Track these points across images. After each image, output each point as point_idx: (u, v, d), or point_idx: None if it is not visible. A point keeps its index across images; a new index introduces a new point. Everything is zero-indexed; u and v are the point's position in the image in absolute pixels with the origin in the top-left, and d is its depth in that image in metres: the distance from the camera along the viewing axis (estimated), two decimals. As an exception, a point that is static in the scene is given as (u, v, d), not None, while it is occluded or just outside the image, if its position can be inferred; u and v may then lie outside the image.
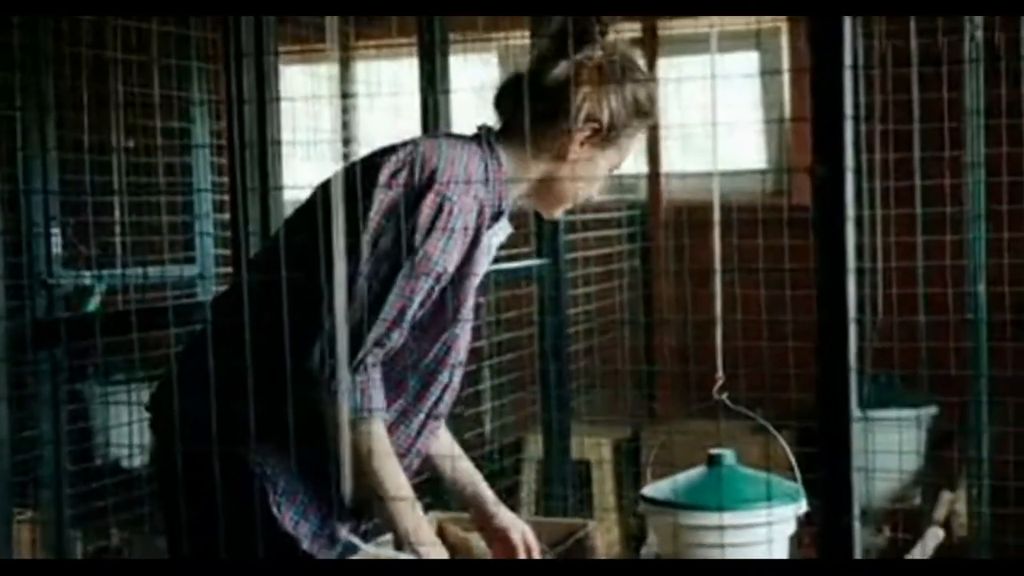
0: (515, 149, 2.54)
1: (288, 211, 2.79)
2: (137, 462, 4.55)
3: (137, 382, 4.36)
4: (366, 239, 2.36)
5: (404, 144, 2.48)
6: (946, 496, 4.36)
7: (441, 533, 3.76)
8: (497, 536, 2.92)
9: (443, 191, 2.38)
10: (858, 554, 1.72)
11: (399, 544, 2.48)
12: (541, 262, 4.41)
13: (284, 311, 1.99)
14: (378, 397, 2.38)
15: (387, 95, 4.90)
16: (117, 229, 4.58)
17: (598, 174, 2.63)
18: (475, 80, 4.22)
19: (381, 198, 2.38)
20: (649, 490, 3.45)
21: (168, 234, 4.66)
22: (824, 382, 1.74)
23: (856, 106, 1.69)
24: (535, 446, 4.98)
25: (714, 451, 3.38)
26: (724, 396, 3.39)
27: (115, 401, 4.64)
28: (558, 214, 2.80)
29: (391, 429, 2.47)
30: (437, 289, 2.42)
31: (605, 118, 2.54)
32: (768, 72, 5.49)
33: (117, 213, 4.61)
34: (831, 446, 1.73)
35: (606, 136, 2.56)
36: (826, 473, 1.73)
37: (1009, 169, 3.72)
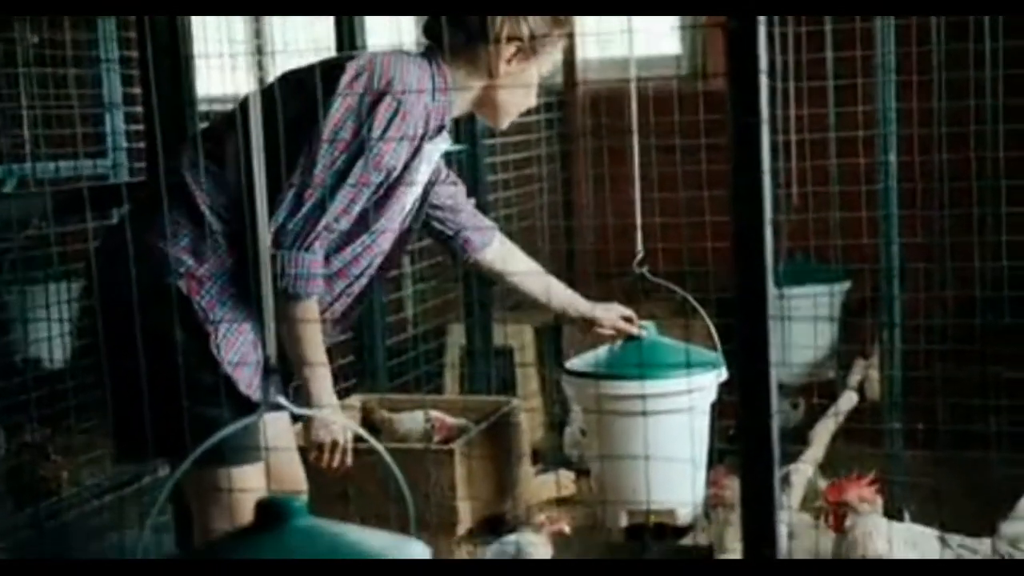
0: (454, 69, 2.79)
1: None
2: (58, 358, 4.53)
3: (55, 280, 4.32)
4: (326, 132, 2.59)
5: (363, 54, 2.74)
6: (860, 363, 4.48)
7: (367, 414, 3.82)
8: (607, 323, 3.38)
9: (399, 97, 2.64)
10: (775, 430, 1.78)
11: (307, 404, 2.66)
12: (459, 147, 4.40)
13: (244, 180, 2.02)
14: (318, 276, 2.63)
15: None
16: (25, 123, 4.50)
17: (532, 84, 2.90)
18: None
19: (342, 99, 2.62)
20: (572, 363, 3.51)
21: (78, 128, 4.58)
22: (741, 258, 1.77)
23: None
24: (458, 333, 5.02)
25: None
26: (644, 269, 3.46)
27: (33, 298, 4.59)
28: (504, 125, 3.03)
29: None
30: (384, 186, 2.70)
31: (525, 34, 2.78)
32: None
33: (25, 106, 4.51)
34: (749, 324, 1.77)
35: (530, 50, 2.81)
36: (744, 351, 1.78)
37: (919, 39, 3.77)
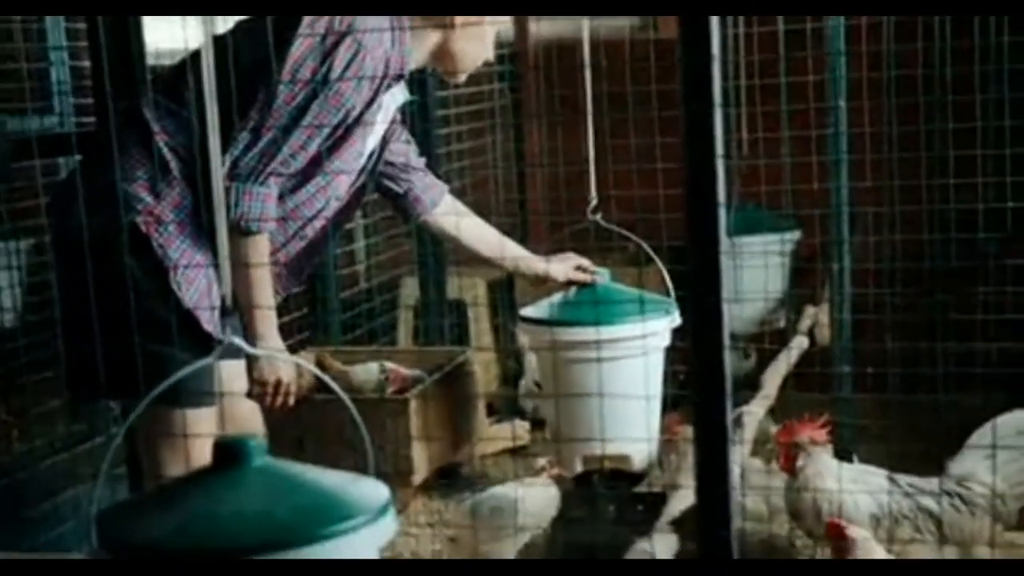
0: (412, 19, 2.78)
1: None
2: (8, 317, 4.48)
3: (3, 238, 4.27)
4: (285, 69, 2.59)
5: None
6: (809, 309, 4.52)
7: (321, 366, 3.81)
8: (561, 276, 3.40)
9: (359, 39, 2.64)
10: (728, 378, 1.79)
11: (252, 343, 2.63)
12: (413, 98, 4.38)
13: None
14: (271, 211, 2.64)
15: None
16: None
17: (487, 38, 2.93)
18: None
19: (303, 38, 2.61)
20: (527, 310, 3.52)
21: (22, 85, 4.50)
22: (693, 195, 1.78)
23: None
24: (412, 286, 5.02)
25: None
26: (598, 216, 3.47)
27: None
28: (462, 78, 3.04)
29: None
30: (342, 128, 2.70)
31: None
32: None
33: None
34: (701, 272, 1.79)
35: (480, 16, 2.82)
36: (696, 300, 1.79)
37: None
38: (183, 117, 2.64)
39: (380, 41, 2.68)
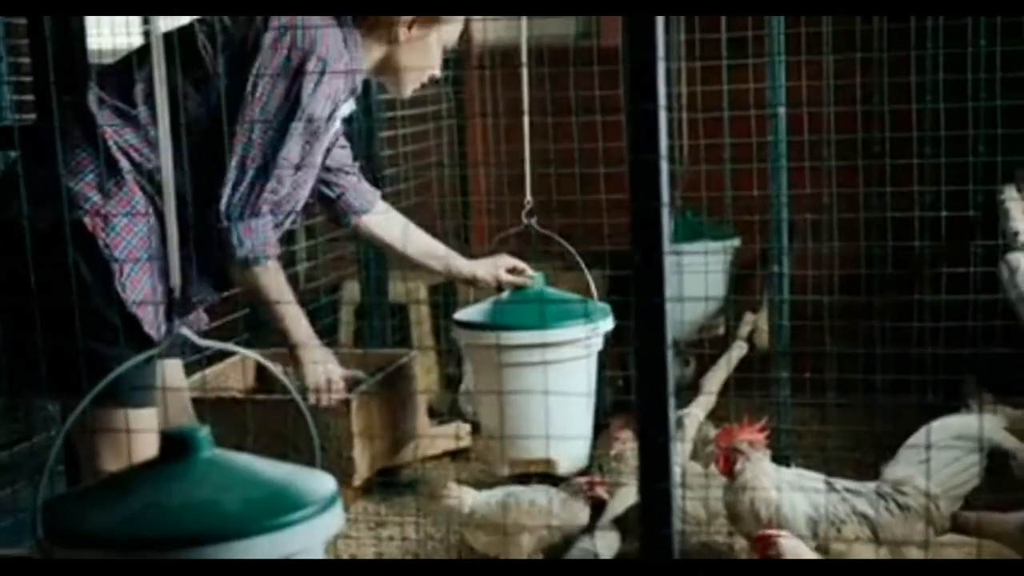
0: (359, 34, 2.79)
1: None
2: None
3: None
4: (257, 95, 2.61)
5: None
6: (749, 316, 4.57)
7: (262, 368, 3.79)
8: (490, 279, 3.40)
9: (323, 57, 2.65)
10: (671, 383, 1.81)
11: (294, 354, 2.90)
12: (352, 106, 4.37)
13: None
14: (272, 238, 2.71)
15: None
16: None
17: (433, 52, 2.92)
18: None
19: (271, 59, 2.61)
20: (461, 314, 3.52)
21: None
22: (637, 203, 1.80)
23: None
24: (352, 290, 5.01)
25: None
26: (532, 220, 3.47)
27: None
28: (407, 93, 3.04)
29: None
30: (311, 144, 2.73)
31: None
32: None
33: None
34: (645, 272, 1.80)
35: (429, 16, 2.82)
36: (640, 300, 1.81)
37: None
38: (131, 115, 2.62)
39: (340, 56, 2.69)
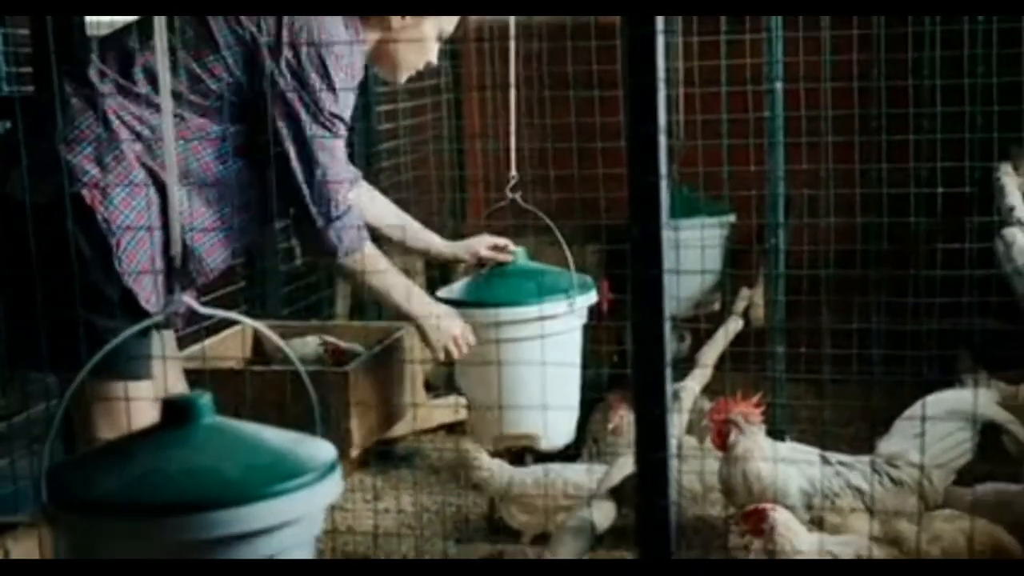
0: (351, 20, 2.82)
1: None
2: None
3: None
4: (297, 100, 2.68)
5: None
6: (745, 291, 4.59)
7: (258, 342, 3.81)
8: (470, 258, 3.45)
9: (341, 54, 2.70)
10: (668, 357, 1.82)
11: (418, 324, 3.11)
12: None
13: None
14: (361, 221, 2.88)
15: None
16: None
17: (426, 40, 2.94)
18: None
19: (288, 56, 2.66)
20: (442, 291, 3.52)
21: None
22: (635, 176, 1.81)
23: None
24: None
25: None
26: (517, 195, 3.46)
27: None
28: (401, 79, 3.08)
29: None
30: None
31: None
32: None
33: None
34: (642, 245, 1.81)
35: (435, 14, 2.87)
36: (637, 272, 1.82)
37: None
38: (131, 88, 2.62)
39: (348, 47, 2.76)
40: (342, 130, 2.79)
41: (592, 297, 3.38)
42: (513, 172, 3.44)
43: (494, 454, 3.57)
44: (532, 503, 3.44)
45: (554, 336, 3.27)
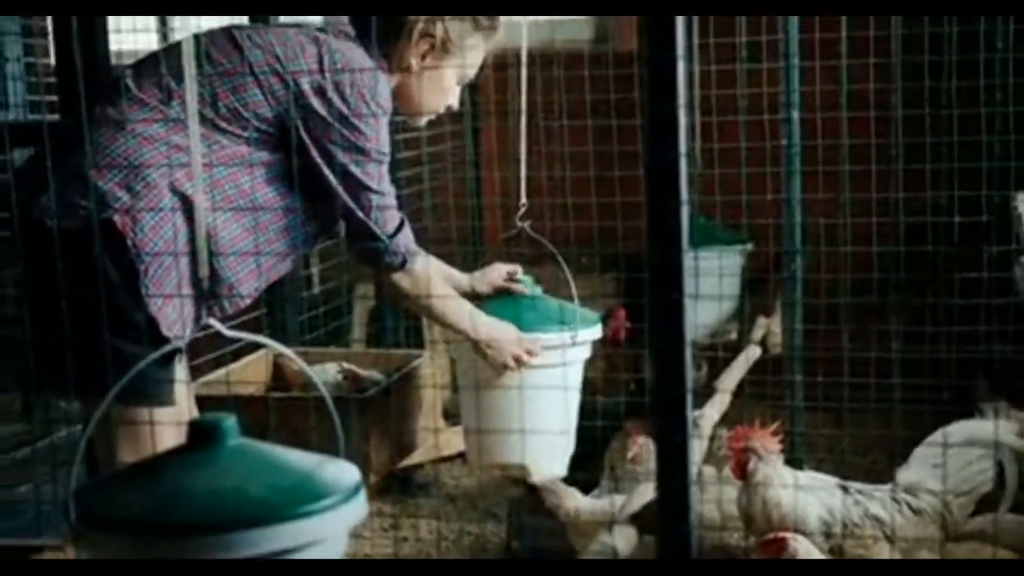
0: (379, 62, 2.84)
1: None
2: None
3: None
4: (357, 125, 2.72)
5: (315, 42, 2.76)
6: (762, 320, 4.58)
7: (278, 367, 3.83)
8: (487, 289, 3.41)
9: (376, 88, 2.73)
10: (689, 383, 1.83)
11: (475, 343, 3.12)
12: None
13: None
14: (413, 242, 2.92)
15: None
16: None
17: (446, 84, 2.97)
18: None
19: (323, 84, 2.69)
20: None
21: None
22: (655, 200, 1.82)
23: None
24: (366, 292, 5.03)
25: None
26: (526, 224, 3.46)
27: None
28: (421, 122, 3.14)
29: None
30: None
31: (439, 33, 2.86)
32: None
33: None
34: (663, 269, 1.82)
35: (443, 49, 2.89)
36: (658, 296, 1.82)
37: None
38: (161, 111, 2.64)
39: (382, 82, 2.79)
40: (385, 158, 2.83)
41: (595, 332, 3.36)
42: (523, 200, 3.45)
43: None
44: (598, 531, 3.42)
45: (551, 368, 3.25)
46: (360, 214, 2.80)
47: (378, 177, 2.81)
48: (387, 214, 2.85)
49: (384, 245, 2.84)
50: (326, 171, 2.74)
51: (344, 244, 3.10)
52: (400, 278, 2.95)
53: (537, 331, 3.24)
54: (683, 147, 1.79)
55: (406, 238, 2.90)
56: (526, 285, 3.42)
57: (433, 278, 3.00)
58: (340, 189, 2.76)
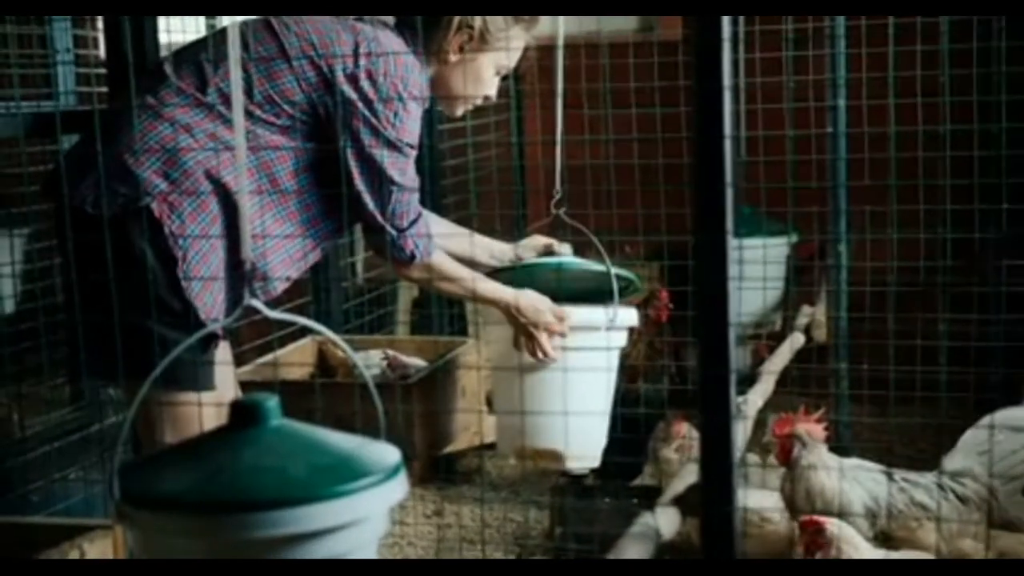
0: (416, 51, 2.86)
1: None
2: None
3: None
4: (366, 111, 2.70)
5: (351, 30, 2.77)
6: (807, 308, 4.57)
7: (323, 354, 3.85)
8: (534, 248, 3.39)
9: (412, 80, 2.74)
10: (733, 363, 1.83)
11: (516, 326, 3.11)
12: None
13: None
14: (431, 235, 2.90)
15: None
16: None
17: (483, 75, 2.96)
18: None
19: (362, 73, 2.70)
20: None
21: (25, 68, 4.52)
22: (701, 183, 1.82)
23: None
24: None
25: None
26: (562, 211, 3.45)
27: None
28: (457, 112, 3.14)
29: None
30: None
31: (478, 24, 2.86)
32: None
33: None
34: (708, 252, 1.82)
35: (481, 40, 2.88)
36: (703, 279, 1.83)
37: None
38: (201, 100, 2.66)
39: (414, 64, 2.80)
40: (411, 151, 2.82)
41: (633, 318, 3.33)
42: (557, 187, 3.44)
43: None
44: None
45: (592, 349, 3.23)
46: (371, 206, 2.79)
47: (401, 168, 2.80)
48: (405, 207, 2.83)
49: (392, 238, 2.83)
50: (351, 158, 2.74)
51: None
52: (409, 270, 2.94)
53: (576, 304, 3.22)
54: (728, 129, 1.79)
55: (420, 233, 2.88)
56: (567, 254, 3.40)
57: (442, 267, 2.98)
58: (360, 178, 2.76)
